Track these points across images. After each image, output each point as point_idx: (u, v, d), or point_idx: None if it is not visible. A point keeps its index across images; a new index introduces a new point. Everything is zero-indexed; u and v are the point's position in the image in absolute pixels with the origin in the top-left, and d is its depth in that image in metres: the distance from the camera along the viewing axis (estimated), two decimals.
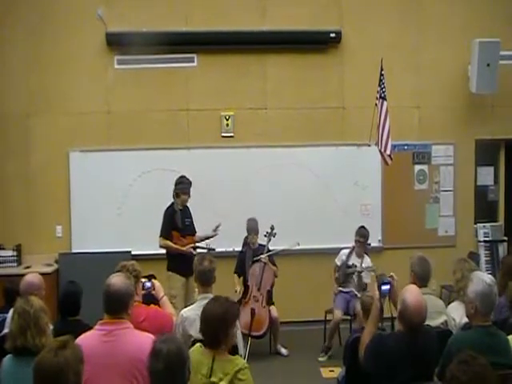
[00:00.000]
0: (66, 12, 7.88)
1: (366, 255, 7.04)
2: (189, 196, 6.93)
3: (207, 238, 6.97)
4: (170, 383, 2.82)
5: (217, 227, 6.94)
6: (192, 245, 6.79)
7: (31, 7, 7.84)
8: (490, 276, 3.88)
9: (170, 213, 6.84)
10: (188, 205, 7.00)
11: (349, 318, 6.97)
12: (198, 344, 3.58)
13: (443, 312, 4.60)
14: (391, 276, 4.16)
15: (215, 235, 6.97)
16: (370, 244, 7.13)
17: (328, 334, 6.91)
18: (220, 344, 3.44)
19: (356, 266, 6.90)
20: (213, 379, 3.36)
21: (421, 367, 3.41)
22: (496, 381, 2.67)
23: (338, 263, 7.05)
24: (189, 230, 6.93)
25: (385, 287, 4.09)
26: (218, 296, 3.69)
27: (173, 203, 6.90)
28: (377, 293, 4.05)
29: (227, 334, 3.48)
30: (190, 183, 6.90)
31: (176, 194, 6.89)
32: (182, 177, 6.92)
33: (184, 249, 6.71)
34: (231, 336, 3.53)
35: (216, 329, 3.44)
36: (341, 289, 7.01)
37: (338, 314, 6.82)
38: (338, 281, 7.03)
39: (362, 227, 7.05)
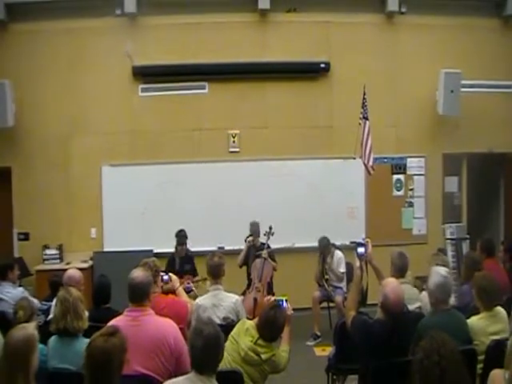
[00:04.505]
0: (99, 48, 7.95)
1: (336, 250, 6.91)
2: (185, 246, 6.91)
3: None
4: (206, 358, 2.86)
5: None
6: (187, 282, 6.45)
7: (70, 45, 7.92)
8: (444, 268, 3.91)
9: (168, 260, 6.89)
10: (190, 248, 7.02)
11: (332, 304, 6.96)
12: (252, 322, 3.75)
13: (418, 299, 4.61)
14: (367, 241, 4.16)
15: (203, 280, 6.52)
16: (333, 244, 7.00)
17: (312, 314, 6.83)
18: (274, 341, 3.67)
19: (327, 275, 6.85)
20: (257, 346, 3.57)
21: (399, 347, 3.45)
22: (457, 349, 2.70)
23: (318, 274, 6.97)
24: (188, 273, 6.77)
25: (361, 250, 4.05)
26: (277, 304, 3.79)
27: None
28: (357, 262, 4.04)
29: (281, 335, 3.75)
30: (186, 237, 6.91)
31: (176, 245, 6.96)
32: (180, 231, 6.94)
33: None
34: None
35: (278, 332, 3.70)
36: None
37: (316, 294, 6.83)
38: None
39: (320, 240, 6.83)
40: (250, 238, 7.04)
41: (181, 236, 6.94)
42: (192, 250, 7.09)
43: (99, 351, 2.64)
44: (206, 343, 2.83)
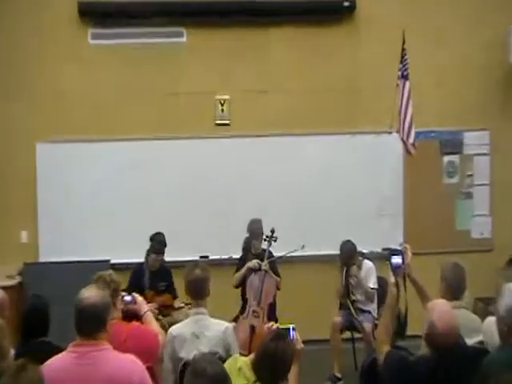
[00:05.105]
0: None
1: (364, 260, 6.98)
2: (161, 256, 6.93)
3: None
4: None
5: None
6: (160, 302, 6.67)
7: None
8: None
9: (134, 271, 6.93)
10: (166, 265, 7.06)
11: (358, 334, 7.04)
12: (247, 358, 3.75)
13: (479, 330, 4.56)
14: (405, 247, 4.19)
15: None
16: (363, 253, 7.06)
17: (331, 348, 6.88)
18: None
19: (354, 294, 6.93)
20: None
21: None
22: None
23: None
24: (163, 293, 6.94)
25: (396, 260, 4.08)
26: (281, 334, 3.74)
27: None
28: (392, 277, 4.05)
29: (287, 376, 3.68)
30: (165, 244, 6.90)
31: (147, 252, 6.95)
32: (158, 234, 6.95)
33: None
34: None
35: (283, 372, 3.63)
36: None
37: (336, 320, 6.88)
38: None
39: (343, 244, 6.91)
40: (256, 263, 6.93)
41: (158, 241, 6.92)
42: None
43: None
44: None
